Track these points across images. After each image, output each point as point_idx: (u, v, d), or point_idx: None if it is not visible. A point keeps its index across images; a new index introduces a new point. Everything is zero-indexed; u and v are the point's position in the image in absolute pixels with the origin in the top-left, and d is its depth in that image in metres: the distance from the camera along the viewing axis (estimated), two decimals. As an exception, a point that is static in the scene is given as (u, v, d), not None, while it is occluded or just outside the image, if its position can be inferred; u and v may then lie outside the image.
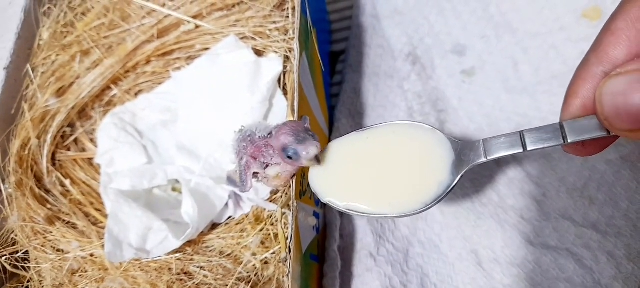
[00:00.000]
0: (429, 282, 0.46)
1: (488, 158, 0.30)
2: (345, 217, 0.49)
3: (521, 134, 0.29)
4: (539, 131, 0.29)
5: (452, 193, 0.48)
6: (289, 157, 0.35)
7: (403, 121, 0.35)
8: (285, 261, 0.38)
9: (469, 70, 0.54)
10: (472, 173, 0.49)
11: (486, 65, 0.54)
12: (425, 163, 0.33)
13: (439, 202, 0.32)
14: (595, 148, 0.30)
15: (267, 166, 0.39)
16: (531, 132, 0.29)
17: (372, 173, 0.34)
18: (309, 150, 0.34)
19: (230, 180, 0.44)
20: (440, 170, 0.32)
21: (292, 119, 0.41)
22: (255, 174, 0.40)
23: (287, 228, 0.40)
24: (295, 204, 0.39)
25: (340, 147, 0.35)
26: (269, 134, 0.39)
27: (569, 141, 0.27)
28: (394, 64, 0.55)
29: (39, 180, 0.49)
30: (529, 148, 0.29)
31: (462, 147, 0.31)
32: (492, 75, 0.54)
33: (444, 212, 0.48)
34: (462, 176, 0.31)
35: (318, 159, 0.35)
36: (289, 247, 0.38)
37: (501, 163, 0.48)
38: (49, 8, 0.53)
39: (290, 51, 0.46)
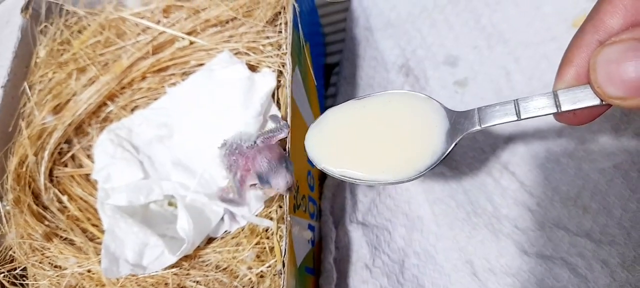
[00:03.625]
0: (424, 293, 0.46)
1: (482, 126, 0.30)
2: (340, 229, 0.49)
3: (515, 103, 0.29)
4: (533, 99, 0.29)
5: (446, 205, 0.49)
6: (264, 184, 0.36)
7: (399, 90, 0.35)
8: (280, 275, 0.38)
9: (461, 81, 0.55)
10: (466, 183, 0.49)
11: (479, 76, 0.54)
12: (420, 132, 0.33)
13: (432, 168, 0.32)
14: (587, 117, 0.30)
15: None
16: (526, 100, 0.29)
17: (367, 140, 0.34)
18: (280, 184, 0.35)
19: (225, 200, 0.44)
20: (435, 138, 0.33)
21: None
22: (252, 186, 0.40)
23: (283, 242, 0.40)
24: (288, 218, 0.39)
25: (337, 114, 0.36)
26: (255, 143, 0.39)
27: (563, 110, 0.28)
28: (387, 76, 0.56)
29: (36, 196, 0.50)
30: (522, 116, 0.29)
31: (457, 116, 0.32)
32: (484, 85, 0.54)
33: (439, 222, 0.48)
34: (456, 144, 0.31)
35: (291, 189, 0.36)
36: (283, 261, 0.38)
37: (494, 172, 0.49)
38: (45, 26, 0.53)
39: (283, 66, 0.46)
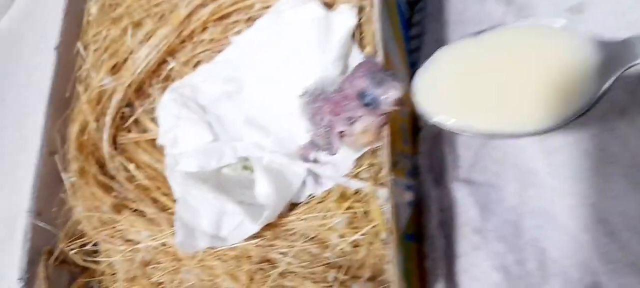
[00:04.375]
0: (548, 258, 0.39)
1: None
2: (442, 189, 0.42)
3: None
4: None
5: (567, 154, 0.41)
6: (367, 104, 0.30)
7: (527, 21, 0.29)
8: (386, 243, 0.32)
9: (576, 6, 0.45)
10: (592, 127, 0.41)
11: (597, -3, 0.45)
12: (559, 70, 0.27)
13: (583, 115, 0.27)
14: None
15: (353, 122, 0.33)
16: None
17: (493, 85, 0.29)
18: (389, 93, 0.29)
19: (307, 159, 0.39)
20: (583, 76, 0.27)
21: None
22: (340, 134, 0.34)
23: (382, 206, 0.34)
24: (390, 177, 0.33)
25: (450, 55, 0.30)
26: (342, 85, 0.33)
27: None
28: (483, 8, 0.47)
29: (101, 166, 0.46)
30: None
31: (611, 47, 0.26)
32: (605, 9, 0.44)
33: (560, 175, 0.40)
34: (615, 80, 0.25)
35: (402, 102, 0.30)
36: (388, 227, 0.32)
37: (630, 111, 0.40)
38: (95, -21, 0.48)
39: (366, -2, 0.39)
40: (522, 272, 0.38)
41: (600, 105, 0.41)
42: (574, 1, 0.45)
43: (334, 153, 0.35)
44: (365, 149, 0.37)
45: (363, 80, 0.30)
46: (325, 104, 0.34)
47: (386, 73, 0.30)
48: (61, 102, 0.46)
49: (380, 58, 0.33)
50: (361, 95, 0.30)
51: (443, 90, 0.30)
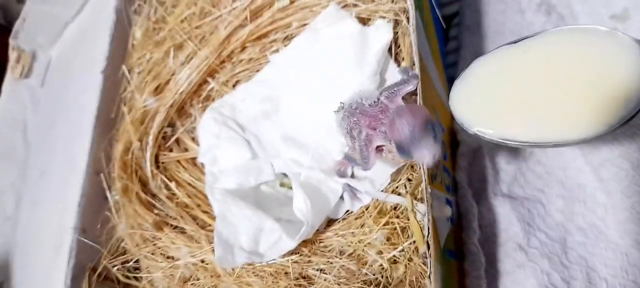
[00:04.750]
0: (597, 276, 0.37)
1: None
2: (482, 204, 0.41)
3: None
4: None
5: (617, 167, 0.39)
6: (403, 157, 0.29)
7: (568, 26, 0.28)
8: (425, 257, 0.31)
9: (620, 14, 0.44)
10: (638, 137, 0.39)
11: (643, 5, 0.43)
12: (604, 75, 0.27)
13: (629, 121, 0.25)
14: None
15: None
16: None
17: (533, 93, 0.28)
18: (425, 156, 0.28)
19: (343, 175, 0.39)
20: (628, 81, 0.26)
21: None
22: (379, 149, 0.34)
23: (421, 220, 0.33)
24: (429, 190, 0.32)
25: (487, 64, 0.29)
26: (379, 100, 0.33)
27: None
28: (523, 18, 0.47)
29: (144, 184, 0.47)
30: None
31: None
32: (652, 16, 0.43)
33: (609, 190, 0.38)
34: None
35: (438, 163, 0.29)
36: (427, 241, 0.31)
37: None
38: (139, 5, 0.50)
39: (402, 12, 0.39)
40: (570, 291, 0.37)
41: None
42: (617, 8, 0.44)
43: (369, 168, 0.35)
44: (403, 164, 0.37)
45: (401, 132, 0.29)
46: (362, 118, 0.34)
47: (427, 129, 0.29)
48: (107, 123, 0.48)
49: (415, 78, 0.33)
50: (398, 146, 0.30)
51: (482, 100, 0.29)
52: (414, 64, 0.35)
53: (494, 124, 0.29)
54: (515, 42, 0.29)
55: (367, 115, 0.33)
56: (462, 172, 0.42)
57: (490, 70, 0.30)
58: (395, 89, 0.33)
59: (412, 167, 0.37)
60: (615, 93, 0.26)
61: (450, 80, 0.50)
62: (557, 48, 0.29)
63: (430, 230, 0.31)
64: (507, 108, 0.29)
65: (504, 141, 0.28)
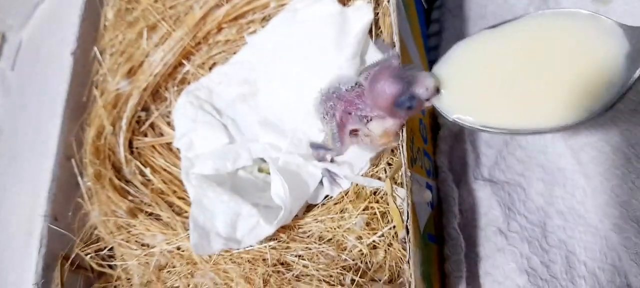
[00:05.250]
0: (576, 260, 0.37)
1: None
2: (463, 188, 0.41)
3: None
4: None
5: (597, 150, 0.39)
6: (409, 108, 0.28)
7: (549, 10, 0.27)
8: (404, 242, 0.31)
9: (602, -3, 0.43)
10: (622, 122, 0.39)
11: (625, -13, 0.43)
12: (586, 60, 0.26)
13: (612, 107, 0.25)
14: None
15: (368, 121, 0.32)
16: None
17: (514, 79, 0.27)
18: (427, 84, 0.28)
19: (316, 146, 0.38)
20: (610, 65, 0.25)
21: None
22: (353, 132, 0.33)
23: (400, 205, 0.33)
24: (408, 174, 0.32)
25: (468, 49, 0.28)
26: (357, 84, 0.32)
27: None
28: (505, 2, 0.46)
29: (117, 170, 0.46)
30: None
31: (638, 35, 0.25)
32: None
33: (589, 173, 0.38)
34: None
35: (438, 90, 0.28)
36: (407, 226, 0.31)
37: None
38: (111, -16, 0.49)
39: (383, -8, 0.38)
40: (548, 274, 0.37)
41: (629, 98, 0.40)
42: (599, -8, 0.44)
43: (342, 153, 0.34)
44: (382, 149, 0.36)
45: (392, 86, 0.29)
46: (338, 103, 0.33)
47: (411, 69, 0.29)
48: (78, 107, 0.46)
49: (396, 58, 0.32)
50: (397, 102, 0.29)
51: (461, 86, 0.29)
52: (394, 45, 0.34)
53: (473, 110, 0.28)
54: (495, 26, 0.29)
55: (344, 99, 0.32)
56: (443, 155, 0.41)
57: (470, 55, 0.29)
58: (375, 67, 0.33)
59: (392, 151, 0.36)
60: (597, 78, 0.26)
61: (431, 63, 0.49)
62: (538, 32, 0.28)
63: (409, 215, 0.30)
64: (487, 94, 0.28)
65: (483, 128, 0.27)
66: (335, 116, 0.32)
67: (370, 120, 0.32)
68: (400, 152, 0.33)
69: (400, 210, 0.32)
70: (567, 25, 0.28)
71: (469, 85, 0.29)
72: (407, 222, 0.31)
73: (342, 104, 0.33)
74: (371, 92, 0.30)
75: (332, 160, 0.39)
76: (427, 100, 0.29)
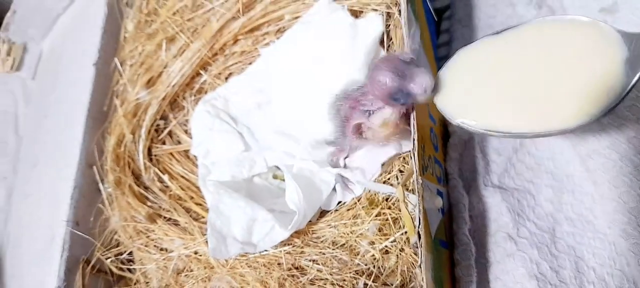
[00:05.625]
0: (585, 265, 0.38)
1: None
2: (473, 195, 0.41)
3: None
4: None
5: (605, 158, 0.40)
6: (400, 102, 0.29)
7: (550, 17, 0.28)
8: (416, 247, 0.32)
9: (609, 7, 0.44)
10: (629, 129, 0.40)
11: (631, -1, 0.44)
12: (587, 65, 0.27)
13: (611, 111, 0.26)
14: None
15: (370, 114, 0.33)
16: None
17: (516, 84, 0.28)
18: (424, 83, 0.29)
19: (329, 142, 0.39)
20: (610, 71, 0.26)
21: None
22: (357, 128, 0.34)
23: (412, 211, 0.34)
24: (420, 180, 0.33)
25: (471, 55, 0.29)
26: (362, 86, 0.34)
27: None
28: (514, 11, 0.47)
29: (137, 177, 0.47)
30: None
31: (638, 41, 0.25)
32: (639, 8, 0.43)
33: (597, 180, 0.39)
34: None
35: (434, 88, 0.30)
36: (418, 232, 0.32)
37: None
38: (131, -2, 0.50)
39: (394, 5, 0.39)
40: (558, 280, 0.37)
41: (636, 106, 0.40)
42: (607, 1, 0.45)
43: (347, 146, 0.35)
44: (391, 153, 0.37)
45: (388, 77, 0.30)
46: (344, 102, 0.35)
47: (409, 63, 0.30)
48: (99, 116, 0.48)
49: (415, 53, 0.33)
50: (391, 94, 0.30)
51: (465, 90, 0.30)
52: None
53: (477, 115, 0.29)
54: (498, 32, 0.30)
55: (350, 98, 0.34)
56: (453, 163, 0.42)
57: (474, 61, 0.30)
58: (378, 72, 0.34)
59: (404, 158, 0.37)
60: (598, 83, 0.27)
61: (441, 73, 0.50)
62: (540, 38, 0.29)
63: (421, 221, 0.31)
64: (490, 98, 0.29)
65: (488, 132, 0.28)
66: (339, 112, 0.34)
67: (372, 113, 0.33)
68: (412, 160, 0.34)
69: (412, 216, 0.33)
70: (567, 32, 0.28)
71: (473, 90, 0.30)
72: (418, 227, 0.31)
73: (347, 102, 0.34)
74: (371, 80, 0.31)
75: (345, 166, 0.40)
76: (422, 98, 0.30)
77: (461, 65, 0.30)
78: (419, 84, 0.29)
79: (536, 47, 0.29)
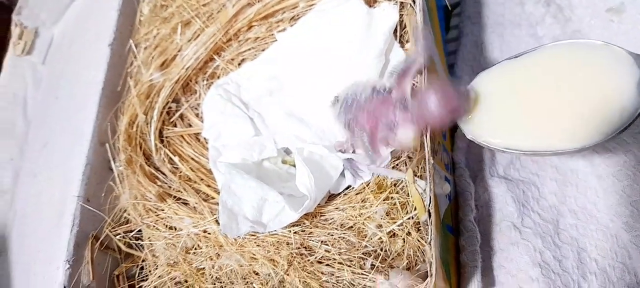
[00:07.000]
0: (587, 256, 0.39)
1: None
2: (479, 184, 0.42)
3: None
4: None
5: (610, 152, 0.41)
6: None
7: (565, 41, 0.30)
8: (426, 226, 0.32)
9: (617, 7, 0.45)
10: (633, 126, 0.41)
11: None
12: (600, 87, 0.28)
13: (625, 129, 0.27)
14: None
15: (394, 125, 0.34)
16: None
17: (534, 104, 0.29)
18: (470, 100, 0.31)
19: (348, 161, 0.40)
20: (623, 92, 0.27)
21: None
22: (385, 142, 0.35)
23: (422, 192, 0.34)
24: (431, 162, 0.33)
25: (490, 78, 0.31)
26: (374, 91, 0.34)
27: None
28: (522, 10, 0.48)
29: (147, 157, 0.48)
30: None
31: None
32: (646, 10, 0.44)
33: (601, 175, 0.40)
34: None
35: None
36: (429, 210, 0.32)
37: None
38: (147, -19, 0.51)
39: (409, -6, 0.40)
40: (560, 268, 0.38)
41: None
42: (614, 1, 0.46)
43: (382, 162, 0.36)
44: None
45: (448, 108, 0.31)
46: (360, 114, 0.35)
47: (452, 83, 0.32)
48: (113, 96, 0.49)
49: (422, 56, 0.34)
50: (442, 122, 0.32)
51: (487, 111, 0.31)
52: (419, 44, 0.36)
53: (498, 134, 0.30)
54: (516, 56, 0.31)
55: (365, 110, 0.34)
56: (460, 152, 0.43)
57: (494, 84, 0.31)
58: (404, 66, 0.35)
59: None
60: (611, 104, 0.28)
61: (450, 67, 0.51)
62: (555, 62, 0.30)
63: (431, 199, 0.32)
64: (510, 119, 0.30)
65: (508, 150, 0.30)
66: (363, 133, 0.35)
67: (396, 125, 0.34)
68: (424, 142, 0.35)
69: (421, 196, 0.34)
70: (582, 55, 0.30)
71: (493, 111, 0.31)
72: (429, 206, 0.32)
73: (364, 114, 0.35)
74: (422, 108, 0.32)
75: (353, 152, 0.41)
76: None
77: (482, 88, 0.32)
78: (469, 103, 0.31)
79: (552, 70, 0.30)
